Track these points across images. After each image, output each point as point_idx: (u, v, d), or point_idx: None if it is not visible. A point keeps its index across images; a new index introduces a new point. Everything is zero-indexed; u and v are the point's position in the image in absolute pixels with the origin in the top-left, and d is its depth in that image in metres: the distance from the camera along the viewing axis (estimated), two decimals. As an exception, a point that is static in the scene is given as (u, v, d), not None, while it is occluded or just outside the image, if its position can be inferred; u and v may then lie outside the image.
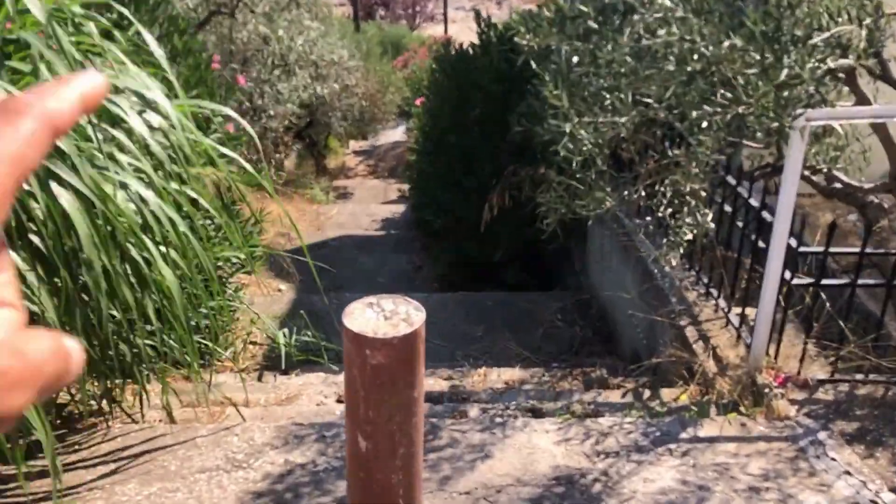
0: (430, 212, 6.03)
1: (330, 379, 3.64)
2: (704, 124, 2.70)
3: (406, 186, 10.55)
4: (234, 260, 3.84)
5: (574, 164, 2.80)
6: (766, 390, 2.66)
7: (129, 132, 2.00)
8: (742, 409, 2.58)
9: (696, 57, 2.62)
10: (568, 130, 2.71)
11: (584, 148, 2.76)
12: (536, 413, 2.72)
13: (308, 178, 11.79)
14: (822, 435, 2.36)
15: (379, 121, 12.35)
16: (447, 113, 5.60)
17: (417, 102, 8.81)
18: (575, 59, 2.64)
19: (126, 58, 2.13)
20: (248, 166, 2.50)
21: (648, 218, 3.27)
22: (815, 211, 4.62)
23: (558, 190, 3.05)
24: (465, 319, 4.85)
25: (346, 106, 10.05)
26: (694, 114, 2.69)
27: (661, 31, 2.63)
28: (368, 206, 10.34)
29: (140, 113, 2.10)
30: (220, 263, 3.98)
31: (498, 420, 2.56)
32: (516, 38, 2.74)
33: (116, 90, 2.07)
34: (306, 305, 5.05)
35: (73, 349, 0.35)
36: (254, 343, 4.08)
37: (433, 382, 3.39)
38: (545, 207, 3.04)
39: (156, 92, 2.13)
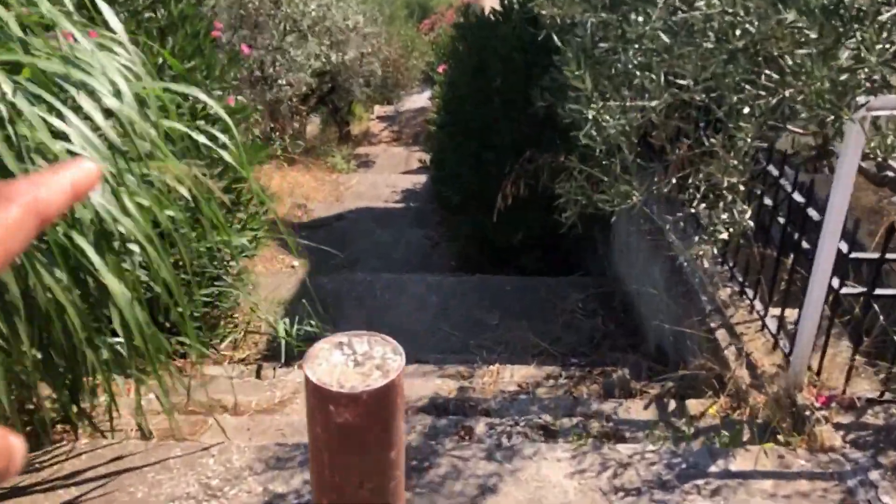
0: (448, 186, 5.72)
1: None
2: (746, 110, 2.36)
3: (427, 156, 10.24)
4: (236, 243, 3.57)
5: (598, 153, 2.48)
6: (808, 413, 2.35)
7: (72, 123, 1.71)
8: (780, 436, 2.28)
9: (738, 33, 2.27)
10: (591, 116, 2.39)
11: (610, 134, 2.43)
12: (549, 433, 2.43)
13: (329, 146, 11.50)
14: (873, 475, 2.05)
15: (403, 86, 11.98)
16: (466, 83, 5.26)
17: (440, 70, 8.45)
18: (600, 33, 2.30)
19: (80, 32, 1.84)
20: (225, 155, 2.21)
21: (679, 214, 2.93)
22: (854, 191, 4.24)
23: (579, 179, 2.73)
24: (479, 305, 4.57)
25: (367, 72, 9.71)
26: (734, 98, 2.35)
27: (700, 2, 2.28)
28: (389, 175, 10.03)
29: (92, 95, 1.81)
30: (219, 247, 3.72)
31: (505, 443, 2.28)
32: (535, 8, 2.42)
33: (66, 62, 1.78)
34: (316, 286, 4.79)
35: (16, 447, 0.37)
36: (254, 332, 3.83)
37: (440, 382, 3.11)
38: (564, 199, 2.73)
39: (113, 73, 1.85)
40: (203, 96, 2.04)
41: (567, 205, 2.71)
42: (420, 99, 15.80)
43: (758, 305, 2.99)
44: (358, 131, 15.00)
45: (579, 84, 2.38)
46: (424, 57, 12.20)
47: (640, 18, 2.29)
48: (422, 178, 9.56)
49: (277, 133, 7.23)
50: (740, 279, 3.13)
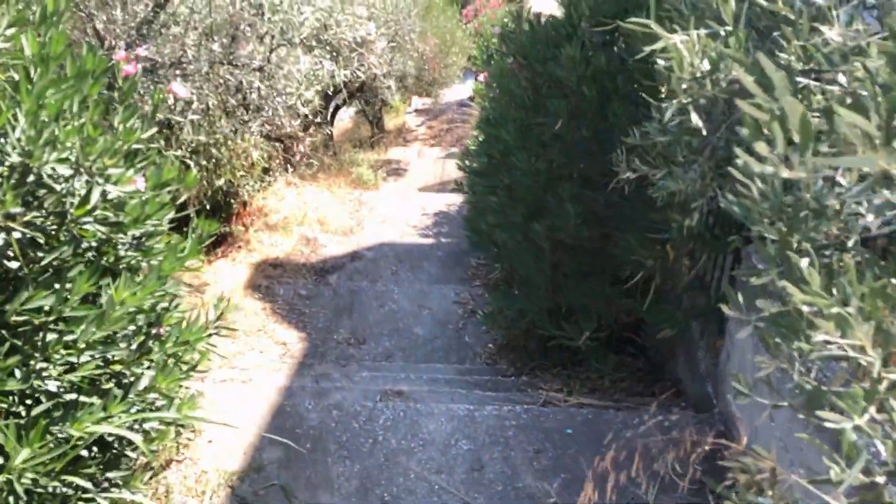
0: (484, 249, 4.19)
1: None
2: None
3: (461, 173, 8.67)
4: (114, 432, 2.10)
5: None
6: None
7: None
8: None
9: None
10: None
11: None
12: None
13: (356, 152, 10.02)
14: None
15: (440, 84, 10.39)
16: (514, 121, 3.71)
17: (481, 77, 6.85)
18: None
19: None
20: None
21: None
22: None
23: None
24: (530, 461, 3.05)
25: (396, 72, 8.16)
26: None
27: None
28: (420, 194, 8.51)
29: None
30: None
31: None
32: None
33: None
34: (295, 418, 3.31)
35: None
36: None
37: None
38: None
39: None
40: None
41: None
42: (462, 89, 14.15)
43: None
44: (393, 126, 13.48)
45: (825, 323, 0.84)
46: (465, 52, 10.58)
47: None
48: (457, 199, 8.03)
49: (278, 161, 5.78)
50: None
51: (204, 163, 4.45)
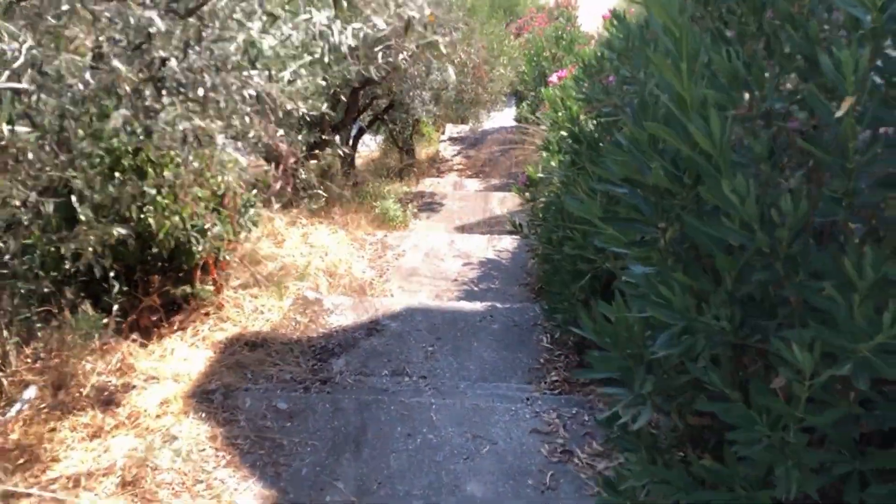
0: (622, 373, 2.04)
1: None
2: None
3: (516, 200, 6.61)
4: None
5: None
6: None
7: None
8: None
9: None
10: None
11: None
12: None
13: (382, 183, 7.98)
14: None
15: (483, 104, 8.35)
16: (712, 107, 1.63)
17: (554, 78, 4.78)
18: None
19: None
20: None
21: None
22: None
23: None
24: None
25: (436, 84, 6.15)
26: None
27: None
28: (461, 236, 6.42)
29: None
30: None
31: None
32: None
33: None
34: None
35: None
36: None
37: None
38: None
39: None
40: None
41: None
42: (504, 115, 12.12)
43: None
44: (425, 155, 11.48)
45: None
46: (513, 64, 8.55)
47: None
48: (509, 244, 5.95)
49: (270, 192, 3.76)
50: None
51: (100, 189, 2.41)
